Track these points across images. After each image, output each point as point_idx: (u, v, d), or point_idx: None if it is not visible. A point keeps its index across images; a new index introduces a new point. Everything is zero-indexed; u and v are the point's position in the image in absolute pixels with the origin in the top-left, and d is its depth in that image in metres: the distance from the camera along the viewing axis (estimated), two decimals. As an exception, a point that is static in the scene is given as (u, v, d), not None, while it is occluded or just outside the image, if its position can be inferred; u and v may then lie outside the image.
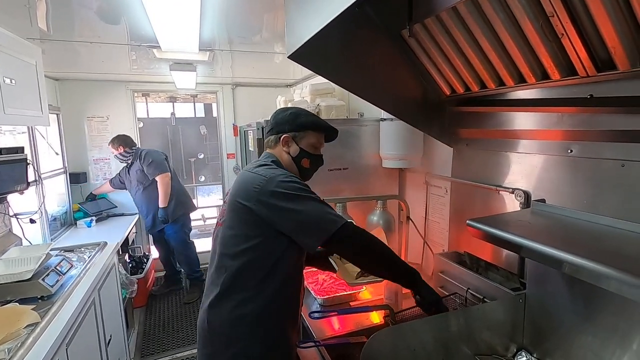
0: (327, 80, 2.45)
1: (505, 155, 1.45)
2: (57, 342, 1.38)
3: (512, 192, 1.39)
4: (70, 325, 1.52)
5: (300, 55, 1.26)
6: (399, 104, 1.59)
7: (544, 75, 1.13)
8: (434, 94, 1.60)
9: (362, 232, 1.09)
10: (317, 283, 1.77)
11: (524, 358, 1.17)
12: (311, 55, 1.28)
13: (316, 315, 1.24)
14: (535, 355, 1.16)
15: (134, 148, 3.39)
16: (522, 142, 1.37)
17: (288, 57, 1.29)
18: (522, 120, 1.35)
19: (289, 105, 2.63)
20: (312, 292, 1.68)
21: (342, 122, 2.06)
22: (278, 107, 1.38)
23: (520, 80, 1.21)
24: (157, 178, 3.33)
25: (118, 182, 3.56)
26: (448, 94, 1.55)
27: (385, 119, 1.93)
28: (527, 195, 1.34)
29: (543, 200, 1.13)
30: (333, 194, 1.90)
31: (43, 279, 1.70)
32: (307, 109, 2.31)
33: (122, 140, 3.33)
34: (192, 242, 3.65)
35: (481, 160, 1.57)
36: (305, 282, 1.76)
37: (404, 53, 1.47)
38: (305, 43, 1.16)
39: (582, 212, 1.06)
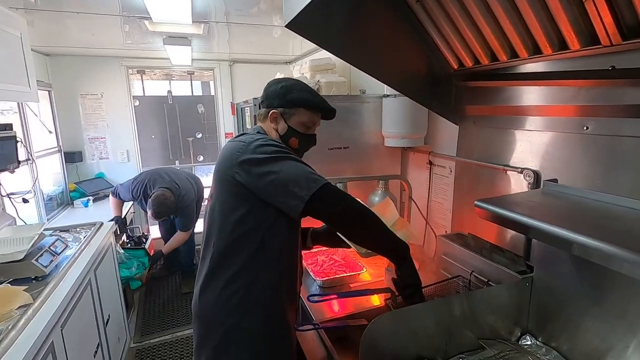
0: (327, 56, 2.34)
1: (514, 133, 1.38)
2: (51, 323, 1.35)
3: (521, 172, 1.32)
4: (64, 306, 1.49)
5: (298, 25, 1.17)
6: (403, 79, 1.50)
7: (561, 45, 1.05)
8: (441, 68, 1.52)
9: (345, 194, 1.02)
10: (317, 264, 1.73)
11: (528, 342, 1.13)
12: (310, 24, 1.19)
13: (315, 298, 1.20)
14: (540, 340, 1.13)
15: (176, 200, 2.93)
16: (533, 119, 1.30)
17: (285, 26, 1.20)
18: (535, 95, 1.27)
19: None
20: (311, 273, 1.64)
21: (343, 98, 1.98)
22: (274, 80, 1.28)
23: (536, 52, 1.12)
24: (179, 232, 3.11)
25: (129, 196, 3.00)
26: (455, 67, 1.47)
27: (388, 96, 1.84)
28: (536, 175, 1.28)
29: (555, 180, 1.07)
30: (333, 173, 1.84)
31: (37, 260, 1.66)
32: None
33: (165, 212, 2.84)
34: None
35: (488, 138, 1.50)
36: (305, 263, 1.73)
37: (409, 23, 1.38)
38: (303, 10, 1.07)
39: (596, 192, 1.00)
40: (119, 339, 2.32)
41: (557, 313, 1.10)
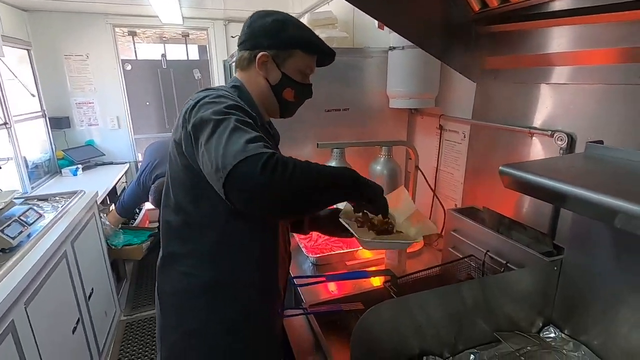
0: (328, 10, 2.05)
1: (542, 88, 1.15)
2: (10, 300, 1.21)
3: (552, 136, 1.11)
4: (28, 281, 1.35)
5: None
6: (414, 25, 1.26)
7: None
8: (459, 12, 1.27)
9: (283, 168, 0.63)
10: (310, 239, 1.56)
11: (552, 334, 0.97)
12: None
13: (301, 281, 1.03)
14: (565, 332, 0.96)
15: None
16: (567, 69, 1.07)
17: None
18: (572, 39, 1.03)
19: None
20: (303, 249, 1.48)
21: (343, 52, 1.71)
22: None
23: (584, -23, 0.88)
24: None
25: (138, 190, 2.59)
26: (477, 9, 1.22)
27: (394, 48, 1.60)
28: (571, 138, 1.06)
29: (600, 142, 0.86)
30: (330, 138, 1.63)
31: (2, 230, 1.51)
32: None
33: None
34: None
35: (511, 96, 1.27)
36: (297, 238, 1.57)
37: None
38: None
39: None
40: (106, 313, 2.22)
41: (588, 302, 0.92)
